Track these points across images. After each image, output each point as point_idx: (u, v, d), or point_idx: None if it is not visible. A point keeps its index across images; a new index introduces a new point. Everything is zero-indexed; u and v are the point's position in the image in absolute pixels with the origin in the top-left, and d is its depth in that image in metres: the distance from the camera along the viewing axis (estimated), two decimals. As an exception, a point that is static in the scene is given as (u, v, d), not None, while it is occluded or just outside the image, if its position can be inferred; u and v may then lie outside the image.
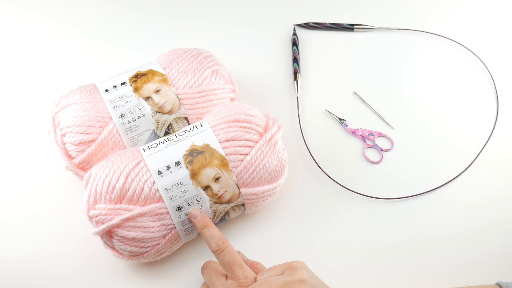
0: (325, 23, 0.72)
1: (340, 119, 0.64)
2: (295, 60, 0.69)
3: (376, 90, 0.67)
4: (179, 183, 0.48)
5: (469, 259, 0.52)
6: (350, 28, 0.72)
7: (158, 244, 0.48)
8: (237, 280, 0.44)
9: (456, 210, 0.56)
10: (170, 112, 0.54)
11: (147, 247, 0.48)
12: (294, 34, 0.72)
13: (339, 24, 0.72)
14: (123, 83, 0.55)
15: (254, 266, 0.48)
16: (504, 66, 0.69)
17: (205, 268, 0.48)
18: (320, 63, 0.71)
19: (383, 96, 0.67)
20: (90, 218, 0.47)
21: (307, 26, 0.73)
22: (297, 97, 0.66)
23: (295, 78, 0.67)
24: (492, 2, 0.77)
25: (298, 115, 0.64)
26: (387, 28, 0.73)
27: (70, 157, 0.53)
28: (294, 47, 0.70)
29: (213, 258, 0.52)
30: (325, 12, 0.77)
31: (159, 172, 0.48)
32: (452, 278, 0.51)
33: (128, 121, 0.53)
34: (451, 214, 0.56)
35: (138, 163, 0.48)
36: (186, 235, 0.50)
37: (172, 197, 0.47)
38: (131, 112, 0.53)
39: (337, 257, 0.53)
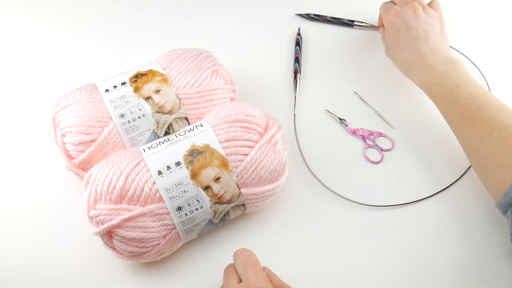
0: (326, 16, 0.72)
1: (340, 119, 0.64)
2: (297, 60, 0.69)
3: (376, 90, 0.67)
4: (179, 183, 0.47)
5: (475, 266, 0.52)
6: (349, 24, 0.72)
7: (158, 244, 0.48)
8: (247, 282, 0.43)
9: (460, 213, 0.55)
10: (170, 112, 0.54)
11: (147, 247, 0.48)
12: (298, 34, 0.72)
13: (339, 18, 0.73)
14: (123, 83, 0.55)
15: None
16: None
17: (227, 266, 0.47)
18: (320, 63, 0.70)
19: (383, 96, 0.67)
20: (90, 218, 0.47)
21: (307, 17, 0.73)
22: (295, 97, 0.65)
23: (295, 78, 0.67)
24: (489, 8, 0.77)
25: (294, 114, 0.64)
26: None
27: (70, 157, 0.53)
28: (297, 47, 0.70)
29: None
30: (326, 12, 0.77)
31: (159, 172, 0.48)
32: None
33: (128, 121, 0.53)
34: (454, 218, 0.55)
35: (138, 163, 0.48)
36: (186, 235, 0.50)
37: (172, 197, 0.47)
38: (131, 112, 0.53)
39: (337, 257, 0.53)
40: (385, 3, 0.65)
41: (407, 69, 0.59)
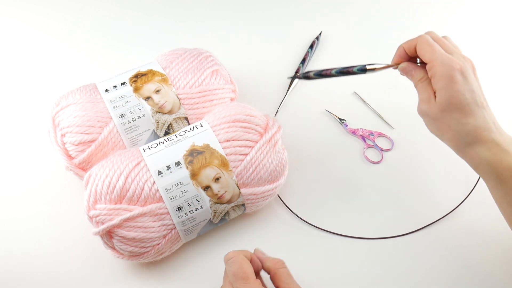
0: (330, 71, 0.49)
1: (340, 119, 0.64)
2: (303, 61, 0.68)
3: (376, 90, 0.67)
4: (179, 183, 0.47)
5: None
6: (361, 72, 0.50)
7: (158, 244, 0.48)
8: None
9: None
10: (170, 112, 0.54)
11: (147, 247, 0.48)
12: (317, 38, 0.72)
13: (347, 69, 0.50)
14: (123, 83, 0.55)
15: (274, 265, 0.45)
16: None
17: (225, 268, 0.45)
18: (320, 63, 0.70)
19: (383, 96, 0.66)
20: (90, 218, 0.47)
21: (304, 76, 0.51)
22: (285, 96, 0.65)
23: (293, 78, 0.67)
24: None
25: (277, 111, 0.64)
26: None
27: (70, 157, 0.53)
28: (309, 49, 0.70)
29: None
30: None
31: (159, 172, 0.48)
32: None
33: (128, 121, 0.53)
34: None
35: (138, 163, 0.48)
36: (186, 235, 0.50)
37: (172, 197, 0.47)
38: (131, 112, 0.53)
39: (336, 257, 0.53)
40: (431, 43, 0.46)
41: (468, 143, 0.46)
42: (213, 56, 0.59)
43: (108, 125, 0.52)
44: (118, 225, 0.46)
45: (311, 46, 0.70)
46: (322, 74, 0.49)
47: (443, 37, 0.48)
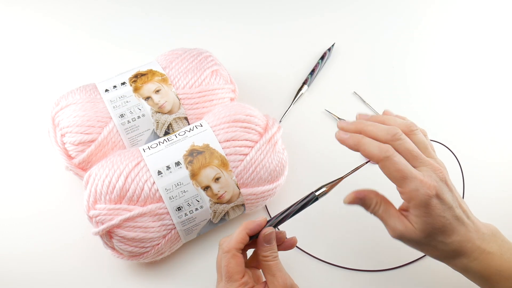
0: (285, 213, 0.46)
1: (340, 119, 0.64)
2: (312, 72, 0.68)
3: (376, 90, 0.67)
4: (179, 183, 0.47)
5: None
6: (313, 200, 0.47)
7: (158, 244, 0.48)
8: None
9: None
10: (170, 112, 0.54)
11: (147, 247, 0.48)
12: (329, 49, 0.70)
13: (299, 207, 0.46)
14: (123, 83, 0.55)
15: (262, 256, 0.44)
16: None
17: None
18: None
19: (383, 96, 0.66)
20: (90, 218, 0.47)
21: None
22: (290, 106, 0.65)
23: (301, 87, 0.66)
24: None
25: (280, 120, 0.64)
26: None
27: (70, 157, 0.53)
28: (320, 60, 0.69)
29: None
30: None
31: (159, 172, 0.48)
32: None
33: (128, 121, 0.53)
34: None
35: (138, 163, 0.48)
36: (186, 235, 0.50)
37: (172, 197, 0.47)
38: (131, 112, 0.53)
39: (339, 254, 0.53)
40: (399, 168, 0.42)
41: (454, 257, 0.44)
42: (213, 56, 0.59)
43: (108, 125, 0.52)
44: (118, 225, 0.46)
45: (322, 58, 0.69)
46: (281, 219, 0.46)
47: (407, 133, 0.44)
